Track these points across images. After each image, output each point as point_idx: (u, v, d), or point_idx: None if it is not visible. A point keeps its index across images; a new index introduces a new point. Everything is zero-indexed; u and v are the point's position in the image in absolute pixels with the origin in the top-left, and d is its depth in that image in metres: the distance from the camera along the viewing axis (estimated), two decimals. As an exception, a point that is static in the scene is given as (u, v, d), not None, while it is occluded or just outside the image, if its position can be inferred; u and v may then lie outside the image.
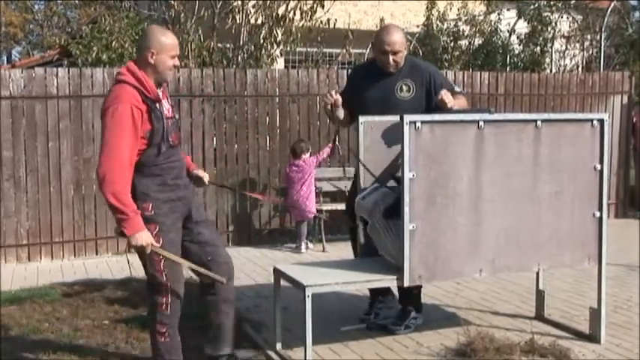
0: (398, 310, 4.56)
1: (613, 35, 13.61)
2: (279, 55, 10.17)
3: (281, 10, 9.26)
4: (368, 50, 9.99)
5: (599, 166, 4.11)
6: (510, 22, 12.51)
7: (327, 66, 10.52)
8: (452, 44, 12.89)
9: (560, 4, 12.94)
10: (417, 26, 13.28)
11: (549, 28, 12.61)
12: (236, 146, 7.71)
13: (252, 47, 9.46)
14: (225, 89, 7.67)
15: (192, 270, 3.42)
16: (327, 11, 9.38)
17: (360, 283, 3.94)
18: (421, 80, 4.33)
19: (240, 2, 9.25)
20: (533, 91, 9.04)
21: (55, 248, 7.01)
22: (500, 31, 12.82)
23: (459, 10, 13.03)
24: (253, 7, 9.35)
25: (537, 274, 4.68)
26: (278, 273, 4.09)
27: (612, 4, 11.29)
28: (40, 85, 6.93)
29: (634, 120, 9.60)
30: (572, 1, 13.53)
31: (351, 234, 4.69)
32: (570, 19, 13.11)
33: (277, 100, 7.88)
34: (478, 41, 12.95)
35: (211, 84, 7.60)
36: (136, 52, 3.58)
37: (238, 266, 6.64)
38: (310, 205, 7.34)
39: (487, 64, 12.23)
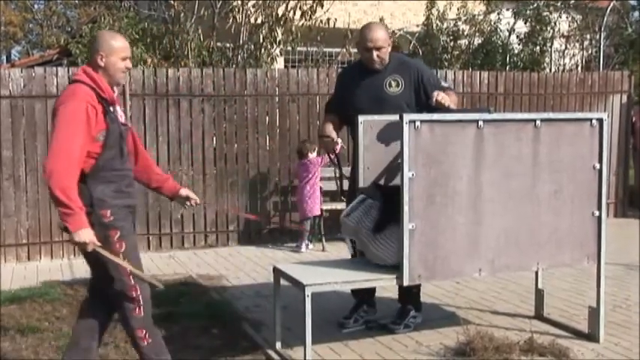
0: (398, 309, 4.57)
1: (612, 35, 13.59)
2: (279, 54, 10.16)
3: (281, 10, 9.25)
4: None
5: (598, 166, 4.12)
6: (510, 22, 12.52)
7: (327, 65, 10.51)
8: (451, 44, 12.88)
9: (559, 4, 12.94)
10: (417, 26, 13.28)
11: (549, 28, 12.60)
12: (236, 146, 7.71)
13: (252, 47, 9.46)
14: (225, 89, 7.67)
15: (132, 273, 3.27)
16: (327, 11, 9.38)
17: (360, 282, 3.94)
18: (409, 76, 4.36)
19: (240, 2, 9.24)
20: (533, 91, 9.04)
21: (55, 248, 7.01)
22: (500, 30, 12.81)
23: (458, 9, 13.01)
24: (253, 6, 9.33)
25: (537, 273, 4.69)
26: (278, 272, 4.10)
27: (611, 4, 11.29)
28: (40, 84, 6.94)
29: (633, 119, 9.61)
30: (572, 1, 13.52)
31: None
32: (570, 18, 13.10)
33: (277, 99, 7.88)
34: (478, 41, 12.93)
35: (211, 83, 7.60)
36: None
37: (238, 265, 6.70)
38: (312, 204, 7.37)
39: (487, 63, 12.21)
